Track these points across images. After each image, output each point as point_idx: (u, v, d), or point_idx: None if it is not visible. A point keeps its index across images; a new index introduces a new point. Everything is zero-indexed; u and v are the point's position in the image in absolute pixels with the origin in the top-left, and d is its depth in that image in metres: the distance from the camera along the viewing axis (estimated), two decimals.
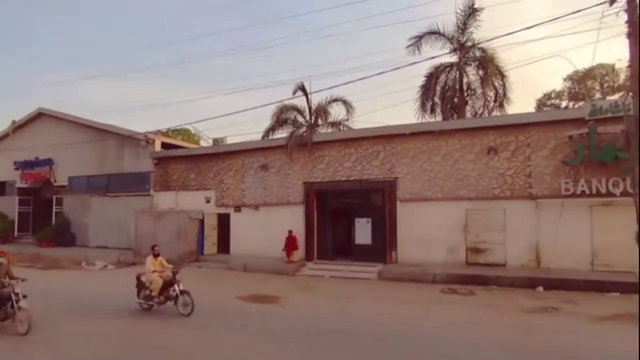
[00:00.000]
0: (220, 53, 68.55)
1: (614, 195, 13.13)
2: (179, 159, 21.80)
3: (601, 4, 10.07)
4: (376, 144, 17.05)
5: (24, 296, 8.13)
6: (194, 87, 72.53)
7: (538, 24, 13.57)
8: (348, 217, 18.46)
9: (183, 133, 33.46)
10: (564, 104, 27.29)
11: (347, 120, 20.68)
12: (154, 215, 20.47)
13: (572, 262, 13.62)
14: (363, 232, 17.74)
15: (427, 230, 15.68)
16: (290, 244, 17.31)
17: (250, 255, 18.55)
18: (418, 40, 19.77)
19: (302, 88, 20.07)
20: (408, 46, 19.87)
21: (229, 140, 21.70)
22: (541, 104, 28.23)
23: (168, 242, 19.27)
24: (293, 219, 17.96)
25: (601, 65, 25.03)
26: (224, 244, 20.26)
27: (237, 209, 19.99)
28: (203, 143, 28.53)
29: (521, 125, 14.91)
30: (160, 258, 10.26)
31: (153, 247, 10.43)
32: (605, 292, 11.68)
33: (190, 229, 19.85)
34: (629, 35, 9.59)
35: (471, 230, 15.37)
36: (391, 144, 16.79)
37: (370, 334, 8.14)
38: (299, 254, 17.48)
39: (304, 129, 19.64)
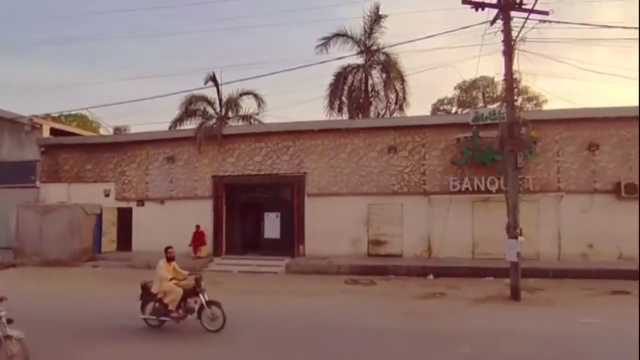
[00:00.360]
0: (122, 36, 63.22)
1: (491, 192, 15.12)
2: (73, 148, 19.95)
3: (484, 22, 11.51)
4: (286, 139, 17.37)
5: (10, 320, 5.78)
6: (93, 70, 66.08)
7: (433, 35, 15.02)
8: (257, 212, 18.57)
9: (79, 119, 30.53)
10: (454, 109, 30.25)
11: (258, 114, 20.79)
12: (41, 210, 18.47)
13: (457, 251, 15.37)
14: (272, 226, 18.01)
15: (333, 224, 16.45)
16: (198, 239, 16.93)
17: (154, 252, 17.56)
18: (327, 41, 20.59)
19: (213, 78, 19.63)
20: (318, 46, 20.59)
21: (133, 130, 20.40)
22: (435, 108, 30.95)
23: (58, 240, 17.65)
24: (201, 214, 17.56)
25: (483, 78, 28.27)
26: (125, 240, 19.04)
27: (141, 202, 18.94)
28: (103, 131, 26.50)
29: (418, 127, 16.38)
30: (173, 263, 8.55)
31: (167, 249, 8.56)
32: (483, 277, 13.46)
33: (86, 224, 18.33)
34: (504, 53, 11.13)
35: (373, 223, 16.48)
36: (300, 139, 17.24)
37: (275, 328, 8.39)
38: (206, 249, 17.17)
39: (214, 121, 19.26)
